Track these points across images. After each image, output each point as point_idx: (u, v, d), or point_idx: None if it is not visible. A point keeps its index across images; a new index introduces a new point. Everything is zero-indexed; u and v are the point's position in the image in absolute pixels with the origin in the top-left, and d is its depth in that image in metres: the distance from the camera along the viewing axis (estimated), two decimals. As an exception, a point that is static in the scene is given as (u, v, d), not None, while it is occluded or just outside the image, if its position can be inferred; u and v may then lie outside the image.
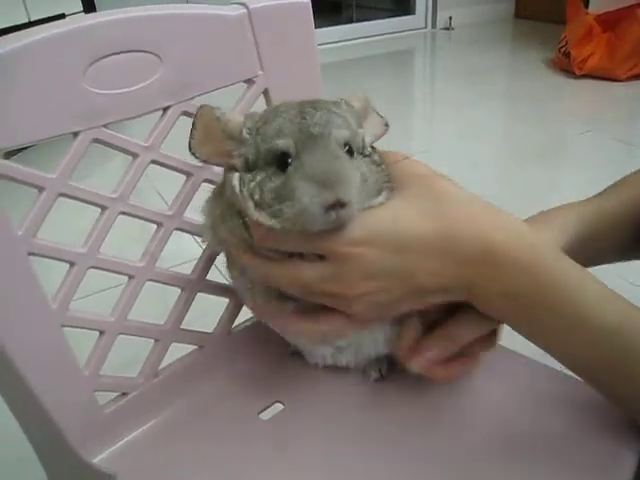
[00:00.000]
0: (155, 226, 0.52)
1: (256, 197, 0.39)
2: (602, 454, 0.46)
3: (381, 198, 0.42)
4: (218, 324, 0.59)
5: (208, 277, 0.56)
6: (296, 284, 0.42)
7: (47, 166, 0.45)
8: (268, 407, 0.54)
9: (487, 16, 4.05)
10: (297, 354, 0.58)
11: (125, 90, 0.47)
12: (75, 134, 0.45)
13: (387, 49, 3.63)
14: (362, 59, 3.43)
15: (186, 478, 0.49)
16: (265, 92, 0.56)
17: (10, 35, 0.42)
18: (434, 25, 3.96)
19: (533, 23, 3.93)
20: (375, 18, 3.90)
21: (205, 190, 0.54)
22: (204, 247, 0.55)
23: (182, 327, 0.55)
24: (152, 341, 0.54)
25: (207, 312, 0.60)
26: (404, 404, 0.53)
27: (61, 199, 0.46)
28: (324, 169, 0.36)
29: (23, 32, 0.43)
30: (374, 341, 0.51)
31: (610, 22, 2.65)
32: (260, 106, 0.57)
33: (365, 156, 0.43)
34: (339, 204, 0.36)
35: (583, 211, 0.54)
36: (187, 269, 0.56)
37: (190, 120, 0.52)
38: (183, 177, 0.53)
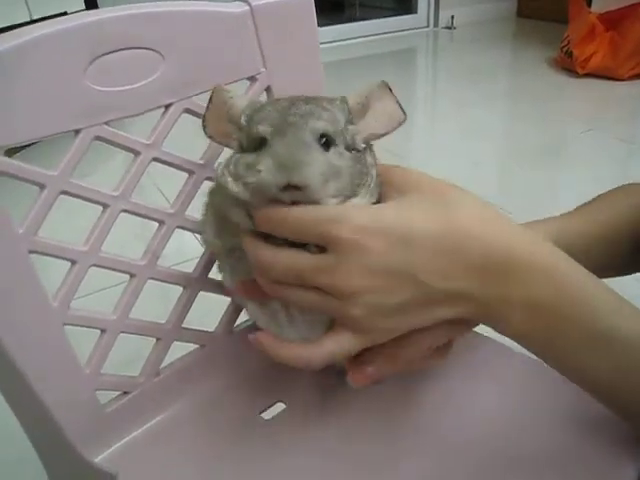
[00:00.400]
0: (157, 224, 0.52)
1: (231, 169, 0.41)
2: (601, 466, 0.45)
3: (360, 198, 0.41)
4: (220, 323, 0.58)
5: (210, 275, 0.56)
6: (290, 272, 0.40)
7: (49, 164, 0.45)
8: (270, 406, 0.54)
9: (489, 15, 4.05)
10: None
11: (127, 87, 0.47)
12: (76, 131, 0.45)
13: (389, 48, 3.63)
14: (364, 58, 3.43)
15: (187, 477, 0.49)
16: (268, 89, 0.56)
17: (11, 32, 0.42)
18: (436, 24, 3.96)
19: (535, 22, 3.93)
20: (377, 17, 3.90)
21: (207, 189, 0.54)
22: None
23: (184, 326, 0.55)
24: (153, 340, 0.54)
25: (209, 311, 0.60)
26: (405, 405, 0.53)
27: (63, 197, 0.45)
28: (286, 152, 0.37)
29: (24, 29, 0.42)
30: None
31: (613, 21, 2.65)
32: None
33: (353, 151, 0.42)
34: (294, 187, 0.37)
35: (549, 228, 0.52)
36: (189, 267, 0.56)
37: (192, 118, 0.53)
38: (185, 175, 0.53)
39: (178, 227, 0.53)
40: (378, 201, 0.42)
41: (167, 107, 0.50)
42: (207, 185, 0.54)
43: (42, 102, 0.43)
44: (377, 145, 0.46)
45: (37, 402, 0.45)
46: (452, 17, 3.89)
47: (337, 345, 0.40)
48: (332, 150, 0.40)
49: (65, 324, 0.47)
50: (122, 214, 0.49)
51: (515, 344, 0.55)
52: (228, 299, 0.58)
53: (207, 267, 0.56)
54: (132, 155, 0.49)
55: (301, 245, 0.40)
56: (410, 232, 0.38)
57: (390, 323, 0.40)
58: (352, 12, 4.15)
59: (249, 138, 0.42)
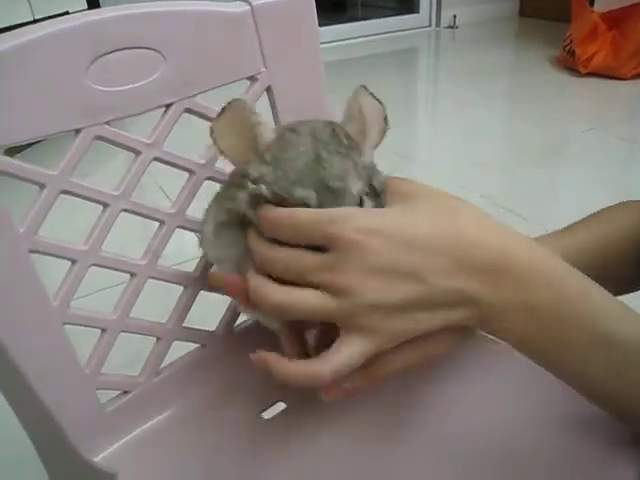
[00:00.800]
0: (157, 224, 0.52)
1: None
2: (599, 467, 0.45)
3: None
4: (220, 322, 0.58)
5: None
6: (293, 269, 0.40)
7: (51, 164, 0.45)
8: (270, 406, 0.54)
9: (491, 14, 4.04)
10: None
11: (128, 87, 0.47)
12: (77, 131, 0.45)
13: (391, 47, 3.63)
14: (366, 57, 3.43)
15: (187, 477, 0.49)
16: (268, 89, 0.56)
17: (12, 32, 0.42)
18: (438, 24, 3.96)
19: (537, 21, 3.92)
20: (379, 16, 3.90)
21: (207, 188, 0.54)
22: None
23: (184, 325, 0.55)
24: (154, 339, 0.54)
25: (210, 310, 0.60)
26: (405, 406, 0.53)
27: (63, 197, 0.45)
28: None
29: (25, 28, 0.42)
30: None
31: (615, 20, 2.64)
32: (262, 104, 0.56)
33: (370, 189, 0.43)
34: None
35: (550, 246, 0.52)
36: (190, 267, 0.56)
37: (193, 118, 0.53)
38: (186, 174, 0.53)
39: (179, 227, 0.53)
40: None
41: (168, 107, 0.50)
42: (208, 185, 0.54)
43: (43, 101, 0.43)
44: (380, 144, 0.46)
45: (37, 401, 0.45)
46: (454, 17, 3.89)
47: (346, 354, 0.39)
48: (364, 202, 0.42)
49: (65, 323, 0.47)
50: (124, 215, 0.49)
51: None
52: (229, 299, 0.58)
53: (207, 266, 0.55)
54: (133, 155, 0.49)
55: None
56: (413, 233, 0.39)
57: (395, 324, 0.39)
58: (354, 12, 4.15)
59: (278, 184, 0.41)
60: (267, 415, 0.54)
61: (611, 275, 0.51)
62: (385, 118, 0.46)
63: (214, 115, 0.52)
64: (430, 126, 2.47)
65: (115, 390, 0.52)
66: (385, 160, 0.46)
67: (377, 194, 0.43)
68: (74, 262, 0.47)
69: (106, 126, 0.46)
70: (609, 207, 0.58)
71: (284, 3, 0.55)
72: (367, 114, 0.45)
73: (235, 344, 0.59)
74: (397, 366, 0.42)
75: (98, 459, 0.49)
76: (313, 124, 0.43)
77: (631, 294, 0.55)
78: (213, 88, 0.52)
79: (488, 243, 0.39)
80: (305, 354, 0.46)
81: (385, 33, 3.80)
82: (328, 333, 0.43)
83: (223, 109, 0.43)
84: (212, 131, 0.43)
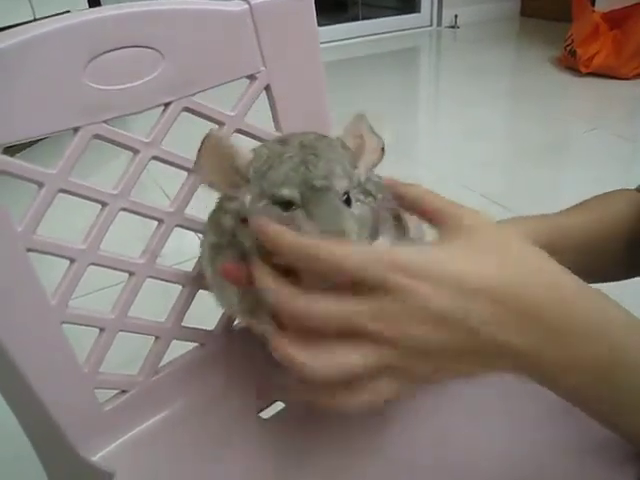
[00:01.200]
0: (157, 223, 0.52)
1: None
2: (602, 473, 0.45)
3: (383, 237, 0.44)
4: (219, 321, 0.58)
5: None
6: (334, 320, 0.36)
7: (50, 164, 0.45)
8: (269, 405, 0.54)
9: (493, 14, 4.04)
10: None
11: (126, 86, 0.47)
12: (75, 130, 0.45)
13: (392, 47, 3.63)
14: (367, 57, 3.43)
15: (185, 476, 0.49)
16: (267, 88, 0.56)
17: (11, 30, 0.42)
18: (439, 23, 3.96)
19: (539, 21, 3.92)
20: (381, 16, 3.89)
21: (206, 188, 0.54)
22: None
23: (183, 324, 0.55)
24: (152, 339, 0.54)
25: (208, 310, 0.60)
26: (406, 404, 0.53)
27: (62, 197, 0.45)
28: (330, 224, 0.38)
29: (24, 27, 0.42)
30: None
31: (617, 20, 2.64)
32: (262, 102, 0.56)
33: (360, 188, 0.44)
34: None
35: (542, 224, 0.51)
36: (189, 266, 0.56)
37: (191, 116, 0.52)
38: (186, 173, 0.53)
39: (177, 226, 0.53)
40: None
41: (166, 105, 0.50)
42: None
43: (41, 100, 0.43)
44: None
45: (35, 400, 0.45)
46: (455, 16, 3.89)
47: (374, 393, 0.37)
48: (353, 204, 0.42)
49: (63, 323, 0.46)
50: (125, 215, 0.49)
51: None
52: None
53: (207, 266, 0.55)
54: (132, 154, 0.49)
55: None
56: (464, 278, 0.36)
57: (432, 369, 0.37)
58: (355, 11, 4.14)
59: (265, 194, 0.41)
60: (265, 414, 0.54)
61: (607, 258, 0.51)
62: (382, 149, 0.46)
63: (213, 114, 0.53)
64: (431, 126, 2.46)
65: (113, 389, 0.52)
66: (385, 160, 0.46)
67: (368, 193, 0.43)
68: (72, 261, 0.47)
69: (104, 125, 0.46)
70: (604, 193, 0.57)
71: (283, 2, 0.55)
72: (366, 140, 0.46)
73: (234, 343, 0.59)
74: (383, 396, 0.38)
75: (96, 458, 0.49)
76: (305, 135, 0.44)
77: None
78: (212, 87, 0.52)
79: (541, 292, 0.36)
80: None
81: (386, 33, 3.80)
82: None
83: (200, 146, 0.43)
84: (195, 168, 0.43)
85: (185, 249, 0.82)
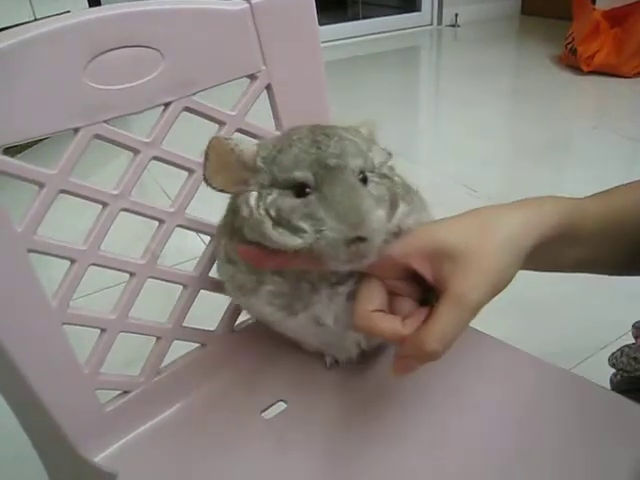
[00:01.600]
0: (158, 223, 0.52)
1: (272, 213, 0.40)
2: (601, 459, 0.45)
3: (403, 207, 0.42)
4: (221, 322, 0.58)
5: (211, 274, 0.56)
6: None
7: (51, 165, 0.45)
8: (271, 406, 0.54)
9: (493, 13, 4.03)
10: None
11: (126, 85, 0.47)
12: (76, 130, 0.45)
13: (393, 46, 3.62)
14: (368, 56, 3.42)
15: (188, 477, 0.49)
16: (268, 87, 0.55)
17: (11, 30, 0.42)
18: (440, 22, 3.95)
19: (539, 20, 3.91)
20: (381, 15, 3.89)
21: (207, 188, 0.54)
22: (207, 244, 0.55)
23: (184, 325, 0.55)
24: (154, 339, 0.54)
25: (210, 310, 0.60)
26: (405, 404, 0.53)
27: (63, 198, 0.45)
28: (346, 205, 0.37)
29: (24, 27, 0.42)
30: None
31: (617, 18, 2.63)
32: (263, 102, 0.56)
33: (376, 173, 0.43)
34: (360, 239, 0.37)
35: (561, 204, 0.51)
36: (190, 267, 0.55)
37: (192, 116, 0.52)
38: (187, 173, 0.53)
39: (178, 226, 0.53)
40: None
41: (167, 105, 0.50)
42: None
43: (41, 100, 0.43)
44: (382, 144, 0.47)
45: (36, 401, 0.45)
46: (456, 15, 3.88)
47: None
48: (369, 183, 0.41)
49: (64, 323, 0.46)
50: (126, 216, 0.49)
51: (512, 340, 0.55)
52: (229, 298, 0.58)
53: (208, 266, 0.55)
54: (132, 154, 0.49)
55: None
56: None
57: None
58: (355, 10, 4.14)
59: (276, 180, 0.41)
60: (268, 415, 0.53)
61: (629, 247, 0.50)
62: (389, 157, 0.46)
63: (214, 114, 0.52)
64: (431, 124, 2.46)
65: (115, 390, 0.52)
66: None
67: (384, 176, 0.43)
68: (73, 262, 0.47)
69: (105, 125, 0.46)
70: (629, 182, 0.57)
71: (283, 1, 0.54)
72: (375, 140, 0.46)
73: (235, 343, 0.59)
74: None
75: (98, 459, 0.49)
76: (313, 124, 0.43)
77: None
78: (212, 86, 0.52)
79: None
80: None
81: (386, 32, 3.80)
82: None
83: (206, 153, 0.42)
84: (205, 177, 0.43)
85: (186, 249, 0.82)
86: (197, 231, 0.54)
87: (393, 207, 0.41)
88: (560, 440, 0.47)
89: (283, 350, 0.59)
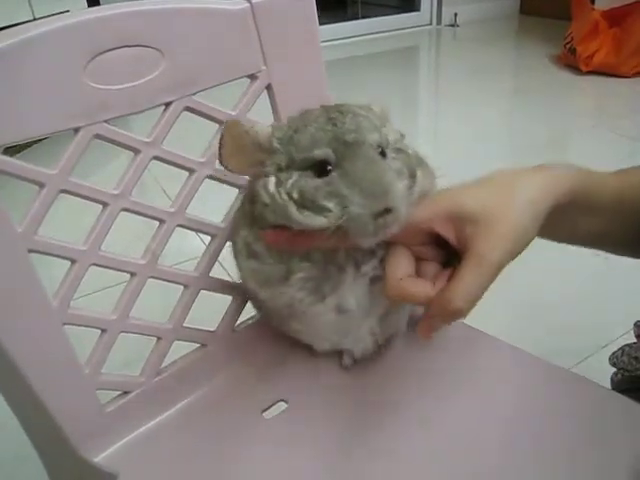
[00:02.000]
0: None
1: (295, 196, 0.40)
2: (601, 458, 0.45)
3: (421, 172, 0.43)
4: (221, 322, 0.58)
5: (212, 274, 0.56)
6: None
7: (51, 165, 0.45)
8: (272, 406, 0.54)
9: (492, 13, 4.03)
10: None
11: (126, 85, 0.47)
12: (76, 130, 0.45)
13: (392, 46, 3.62)
14: (367, 56, 3.42)
15: (189, 477, 0.49)
16: (268, 87, 0.55)
17: (10, 29, 0.42)
18: (439, 22, 3.95)
19: (538, 19, 3.91)
20: (380, 15, 3.89)
21: (207, 185, 0.54)
22: (207, 244, 0.55)
23: (185, 325, 0.55)
24: (154, 339, 0.54)
25: (210, 311, 0.60)
26: (407, 403, 0.53)
27: (63, 199, 0.45)
28: (370, 179, 0.38)
29: (23, 26, 0.42)
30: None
31: (616, 18, 2.63)
32: (263, 102, 0.56)
33: (391, 148, 0.43)
34: (386, 211, 0.37)
35: (576, 175, 0.50)
36: (191, 267, 0.55)
37: (192, 116, 0.52)
38: (187, 173, 0.53)
39: (179, 226, 0.53)
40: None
41: (167, 105, 0.50)
42: (208, 183, 0.54)
43: (41, 100, 0.43)
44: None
45: (37, 402, 0.45)
46: (455, 15, 3.88)
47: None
48: (388, 157, 0.42)
49: (65, 323, 0.46)
50: (127, 216, 0.49)
51: (512, 340, 0.54)
52: (229, 298, 0.58)
53: (209, 266, 0.55)
54: (133, 154, 0.49)
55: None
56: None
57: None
58: (355, 10, 4.13)
59: (294, 161, 0.41)
60: (268, 415, 0.53)
61: (636, 226, 0.51)
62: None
63: (213, 114, 0.52)
64: (431, 124, 2.46)
65: (115, 390, 0.52)
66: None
67: (400, 150, 0.43)
68: (73, 262, 0.47)
69: (105, 125, 0.46)
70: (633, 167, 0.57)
71: (284, 1, 0.54)
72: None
73: (236, 343, 0.59)
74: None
75: (99, 459, 0.49)
76: (325, 104, 0.43)
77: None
78: (213, 86, 0.52)
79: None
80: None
81: (386, 31, 3.79)
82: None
83: (222, 135, 0.42)
84: (220, 160, 0.43)
85: (186, 249, 0.82)
86: (197, 231, 0.54)
87: (412, 180, 0.42)
88: (560, 439, 0.47)
89: (284, 350, 0.59)
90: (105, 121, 0.46)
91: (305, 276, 0.45)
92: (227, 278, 0.58)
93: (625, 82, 2.58)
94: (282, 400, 0.54)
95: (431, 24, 3.97)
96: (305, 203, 0.39)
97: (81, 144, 0.45)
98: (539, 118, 2.28)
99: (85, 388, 0.49)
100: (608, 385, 0.71)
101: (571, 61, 2.74)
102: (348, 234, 0.39)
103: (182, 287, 0.54)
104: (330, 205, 0.38)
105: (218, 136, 0.42)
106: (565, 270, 1.30)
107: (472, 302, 0.40)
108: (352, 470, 0.47)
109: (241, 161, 0.43)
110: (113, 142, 0.47)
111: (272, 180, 0.41)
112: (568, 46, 2.76)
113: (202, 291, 0.55)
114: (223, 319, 0.58)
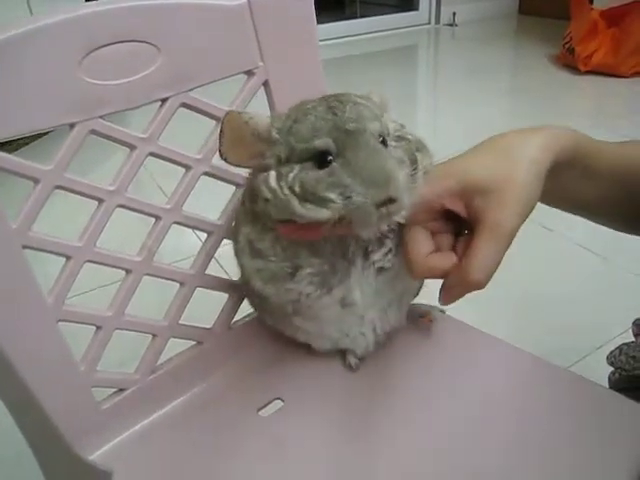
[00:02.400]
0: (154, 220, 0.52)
1: (297, 189, 0.39)
2: (600, 457, 0.45)
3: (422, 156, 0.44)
4: (217, 319, 0.58)
5: (208, 272, 0.56)
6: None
7: (47, 161, 0.44)
8: (268, 404, 0.54)
9: (491, 12, 4.03)
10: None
11: (122, 81, 0.46)
12: (71, 125, 0.44)
13: (391, 45, 3.62)
14: (365, 55, 3.42)
15: (184, 475, 0.49)
16: (265, 84, 0.55)
17: (5, 24, 0.41)
18: (438, 21, 3.95)
19: (537, 19, 3.91)
20: (379, 14, 3.89)
21: (204, 182, 0.53)
22: (204, 241, 0.55)
23: (181, 322, 0.54)
24: (150, 337, 0.53)
25: (206, 308, 0.59)
26: (405, 403, 0.52)
27: (59, 195, 0.45)
28: (372, 168, 0.38)
29: (17, 21, 0.42)
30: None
31: (615, 18, 2.63)
32: (260, 99, 0.56)
33: (392, 136, 0.43)
34: (389, 200, 0.37)
35: (581, 136, 0.51)
36: (187, 264, 0.55)
37: (189, 112, 0.52)
38: (184, 170, 0.52)
39: (175, 223, 0.52)
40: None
41: (163, 101, 0.49)
42: (205, 180, 0.53)
43: (36, 95, 0.42)
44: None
45: (32, 399, 0.45)
46: (454, 14, 3.88)
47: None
48: (389, 146, 0.41)
49: (60, 320, 0.46)
50: (123, 213, 0.49)
51: (511, 339, 0.54)
52: (226, 295, 0.58)
53: (205, 263, 0.55)
54: (129, 150, 0.49)
55: None
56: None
57: None
58: (354, 9, 4.13)
59: (294, 151, 0.40)
60: (265, 413, 0.53)
61: (635, 197, 0.52)
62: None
63: (210, 110, 0.52)
64: (429, 123, 2.46)
65: (111, 388, 0.52)
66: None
67: (401, 138, 0.43)
68: (69, 258, 0.46)
69: (101, 120, 0.46)
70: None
71: (282, -2, 0.54)
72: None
73: (232, 341, 0.59)
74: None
75: (93, 457, 0.49)
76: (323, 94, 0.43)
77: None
78: (210, 82, 0.52)
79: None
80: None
81: (384, 30, 3.79)
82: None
83: (221, 127, 0.42)
84: (220, 153, 0.42)
85: (182, 247, 0.82)
86: (194, 228, 0.54)
87: (413, 166, 0.42)
88: (558, 438, 0.47)
89: (280, 348, 0.59)
90: (101, 117, 0.46)
91: (313, 271, 0.45)
92: (224, 275, 0.57)
93: (623, 82, 2.58)
94: (278, 398, 0.54)
95: (430, 23, 3.97)
96: (307, 196, 0.39)
97: (77, 140, 0.45)
98: (537, 117, 2.28)
99: (80, 385, 0.48)
100: (606, 384, 0.71)
101: (570, 61, 2.75)
102: (351, 224, 0.38)
103: (178, 284, 0.54)
104: (332, 196, 0.38)
105: (215, 133, 0.41)
106: (564, 270, 1.30)
107: (490, 272, 0.40)
108: (348, 468, 0.47)
109: (241, 153, 0.42)
110: (109, 138, 0.47)
111: (273, 174, 0.41)
112: (567, 46, 2.76)
113: (198, 288, 0.55)
114: (219, 317, 0.58)
